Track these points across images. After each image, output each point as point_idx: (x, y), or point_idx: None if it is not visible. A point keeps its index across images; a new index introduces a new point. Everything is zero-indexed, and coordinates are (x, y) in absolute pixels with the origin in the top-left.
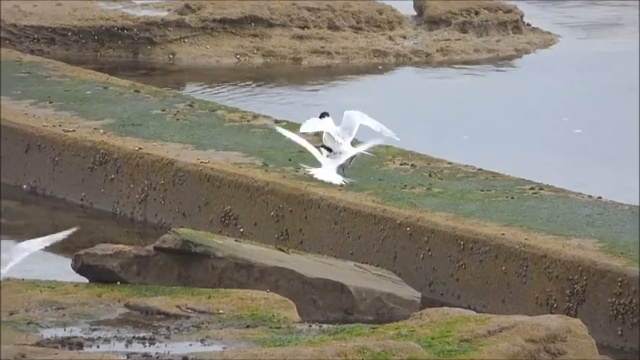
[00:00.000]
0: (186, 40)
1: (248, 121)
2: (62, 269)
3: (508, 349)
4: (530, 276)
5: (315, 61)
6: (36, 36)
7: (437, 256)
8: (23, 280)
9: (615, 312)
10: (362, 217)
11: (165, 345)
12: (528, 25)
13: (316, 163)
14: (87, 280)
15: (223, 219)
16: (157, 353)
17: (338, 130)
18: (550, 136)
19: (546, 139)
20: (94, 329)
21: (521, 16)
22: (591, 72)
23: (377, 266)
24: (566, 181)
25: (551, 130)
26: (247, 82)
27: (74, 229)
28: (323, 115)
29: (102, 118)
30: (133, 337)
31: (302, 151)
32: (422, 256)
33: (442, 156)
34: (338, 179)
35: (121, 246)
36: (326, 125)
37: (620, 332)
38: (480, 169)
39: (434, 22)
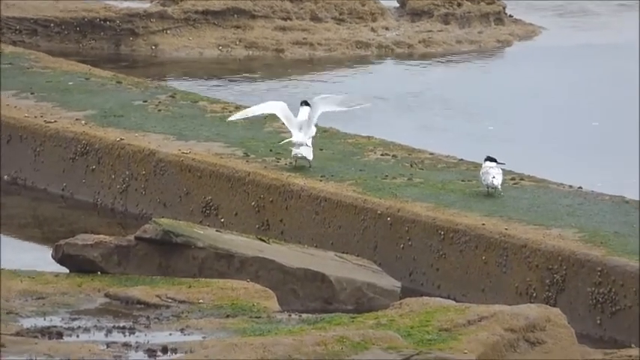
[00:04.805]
0: (168, 32)
1: (230, 112)
2: (42, 259)
3: (487, 338)
4: (510, 266)
5: (297, 53)
6: (18, 27)
7: (417, 246)
8: (3, 269)
9: (594, 301)
10: (343, 207)
11: (145, 334)
12: (510, 16)
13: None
14: (67, 270)
15: (204, 209)
16: (136, 342)
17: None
18: (565, 129)
19: (561, 133)
20: (74, 319)
21: (504, 8)
22: (576, 63)
23: (357, 256)
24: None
25: (558, 124)
26: (230, 74)
27: None
28: (303, 104)
29: (84, 109)
30: (113, 327)
31: (281, 141)
32: (402, 246)
33: (425, 147)
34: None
35: (101, 236)
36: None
37: (599, 321)
38: (461, 160)
39: (416, 14)
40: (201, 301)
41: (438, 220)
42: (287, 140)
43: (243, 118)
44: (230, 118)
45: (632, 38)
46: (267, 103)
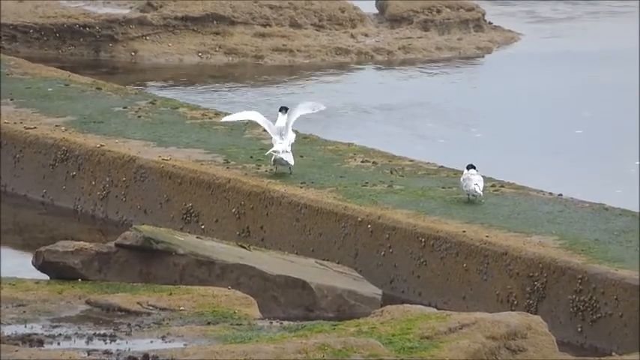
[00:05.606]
0: (148, 38)
1: (210, 118)
2: (23, 266)
3: (469, 346)
4: (490, 273)
5: (277, 59)
6: None
7: (398, 253)
8: None
9: (575, 309)
10: (323, 214)
11: (126, 342)
12: (490, 23)
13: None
14: (48, 277)
15: (185, 216)
16: (117, 350)
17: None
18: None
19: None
20: (55, 326)
21: (483, 15)
22: (558, 71)
23: (338, 263)
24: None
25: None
26: (209, 80)
27: None
28: (282, 110)
29: (63, 115)
30: (94, 334)
31: (263, 148)
32: (383, 253)
33: (408, 154)
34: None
35: (82, 243)
36: (253, 115)
37: (580, 329)
38: (442, 167)
39: (396, 20)
40: (182, 308)
41: (418, 228)
42: (270, 151)
43: (232, 122)
44: (223, 119)
45: (610, 45)
46: (244, 112)
